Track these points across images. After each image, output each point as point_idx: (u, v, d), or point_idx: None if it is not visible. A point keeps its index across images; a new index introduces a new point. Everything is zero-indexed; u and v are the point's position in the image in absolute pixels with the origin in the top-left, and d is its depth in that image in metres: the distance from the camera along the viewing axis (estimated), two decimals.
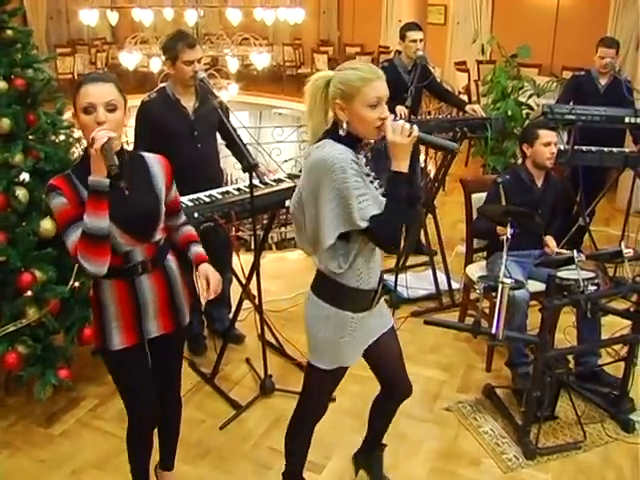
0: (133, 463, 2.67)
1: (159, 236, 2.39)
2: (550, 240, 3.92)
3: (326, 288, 2.39)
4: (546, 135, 3.88)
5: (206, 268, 2.48)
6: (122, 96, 2.22)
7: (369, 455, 3.05)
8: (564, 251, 3.81)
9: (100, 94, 2.13)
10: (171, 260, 2.49)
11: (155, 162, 2.38)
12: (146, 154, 2.40)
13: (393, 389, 2.76)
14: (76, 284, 3.33)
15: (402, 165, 2.20)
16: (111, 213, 2.14)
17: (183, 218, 2.61)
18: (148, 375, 2.52)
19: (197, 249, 2.55)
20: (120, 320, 2.36)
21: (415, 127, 2.19)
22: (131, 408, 2.55)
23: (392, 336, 2.64)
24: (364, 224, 2.19)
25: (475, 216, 4.19)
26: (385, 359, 2.66)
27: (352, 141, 2.25)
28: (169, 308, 2.46)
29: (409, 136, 2.17)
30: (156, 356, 2.54)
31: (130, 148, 2.62)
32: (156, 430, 2.68)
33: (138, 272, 2.34)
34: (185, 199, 3.39)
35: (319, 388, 2.59)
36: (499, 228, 3.62)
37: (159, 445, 2.81)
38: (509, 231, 3.29)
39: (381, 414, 2.87)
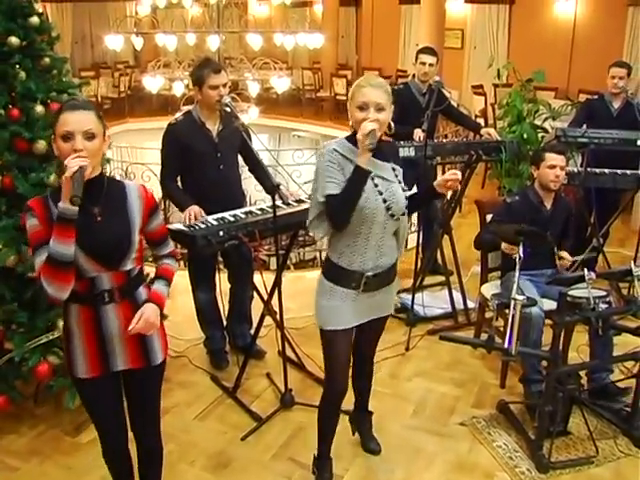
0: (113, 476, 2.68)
1: (130, 266, 2.34)
2: (565, 254, 3.88)
3: (325, 265, 2.89)
4: (551, 158, 3.90)
5: (147, 306, 2.35)
6: (102, 124, 2.22)
7: (359, 414, 3.39)
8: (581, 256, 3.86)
9: (79, 122, 2.15)
10: (143, 293, 2.41)
11: (134, 191, 2.34)
12: (128, 182, 2.38)
13: (355, 362, 3.14)
14: None
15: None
16: (78, 237, 2.14)
17: (168, 250, 2.56)
18: (116, 408, 2.49)
19: (159, 287, 2.45)
20: (85, 349, 2.32)
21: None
22: (100, 437, 2.55)
23: (380, 322, 3.04)
24: (322, 199, 2.64)
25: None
26: (361, 336, 3.02)
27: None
28: (136, 343, 2.38)
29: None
30: (129, 390, 2.50)
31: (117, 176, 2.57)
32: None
33: (104, 300, 2.29)
34: (210, 218, 3.55)
35: (326, 349, 2.91)
36: (505, 246, 3.72)
37: None
38: (521, 250, 3.38)
39: (355, 379, 3.23)
